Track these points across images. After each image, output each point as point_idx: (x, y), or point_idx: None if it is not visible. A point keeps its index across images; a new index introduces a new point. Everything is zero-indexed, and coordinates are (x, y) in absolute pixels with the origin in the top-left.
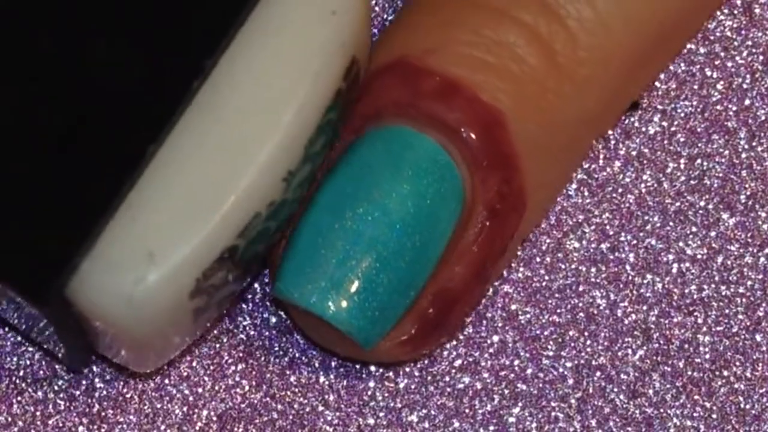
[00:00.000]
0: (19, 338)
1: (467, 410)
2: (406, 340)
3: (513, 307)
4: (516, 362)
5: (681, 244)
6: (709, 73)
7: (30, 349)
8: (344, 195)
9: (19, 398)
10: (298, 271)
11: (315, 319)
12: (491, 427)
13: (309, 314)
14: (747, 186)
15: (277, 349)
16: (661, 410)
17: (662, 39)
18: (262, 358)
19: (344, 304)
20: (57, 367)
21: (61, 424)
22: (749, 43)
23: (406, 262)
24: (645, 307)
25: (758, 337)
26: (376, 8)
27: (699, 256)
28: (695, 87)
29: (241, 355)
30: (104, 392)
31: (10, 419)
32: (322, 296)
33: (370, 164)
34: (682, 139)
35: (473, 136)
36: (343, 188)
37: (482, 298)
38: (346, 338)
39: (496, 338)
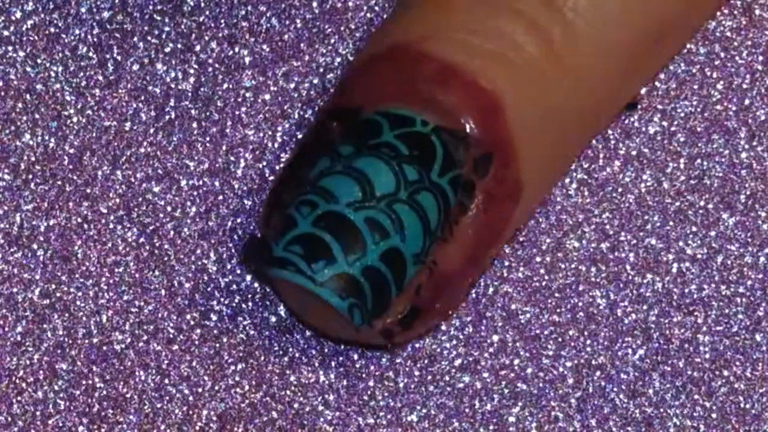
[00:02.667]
0: (19, 338)
1: (467, 410)
2: (398, 320)
3: (513, 306)
4: (516, 362)
5: (681, 243)
6: (709, 73)
7: (30, 349)
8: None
9: (19, 398)
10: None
11: (306, 295)
12: (491, 427)
13: (302, 290)
14: (747, 186)
15: (276, 348)
16: (661, 410)
17: (660, 36)
18: (262, 358)
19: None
20: (57, 367)
21: (61, 424)
22: (749, 43)
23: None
24: (645, 307)
25: (758, 337)
26: (376, 8)
27: (699, 256)
28: (695, 87)
29: (241, 354)
30: (104, 392)
31: (10, 419)
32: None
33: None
34: (682, 139)
35: (471, 120)
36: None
37: (475, 283)
38: (338, 317)
39: (496, 338)
